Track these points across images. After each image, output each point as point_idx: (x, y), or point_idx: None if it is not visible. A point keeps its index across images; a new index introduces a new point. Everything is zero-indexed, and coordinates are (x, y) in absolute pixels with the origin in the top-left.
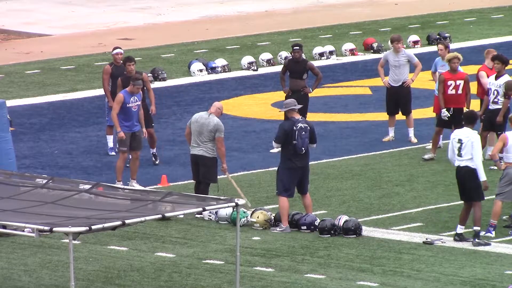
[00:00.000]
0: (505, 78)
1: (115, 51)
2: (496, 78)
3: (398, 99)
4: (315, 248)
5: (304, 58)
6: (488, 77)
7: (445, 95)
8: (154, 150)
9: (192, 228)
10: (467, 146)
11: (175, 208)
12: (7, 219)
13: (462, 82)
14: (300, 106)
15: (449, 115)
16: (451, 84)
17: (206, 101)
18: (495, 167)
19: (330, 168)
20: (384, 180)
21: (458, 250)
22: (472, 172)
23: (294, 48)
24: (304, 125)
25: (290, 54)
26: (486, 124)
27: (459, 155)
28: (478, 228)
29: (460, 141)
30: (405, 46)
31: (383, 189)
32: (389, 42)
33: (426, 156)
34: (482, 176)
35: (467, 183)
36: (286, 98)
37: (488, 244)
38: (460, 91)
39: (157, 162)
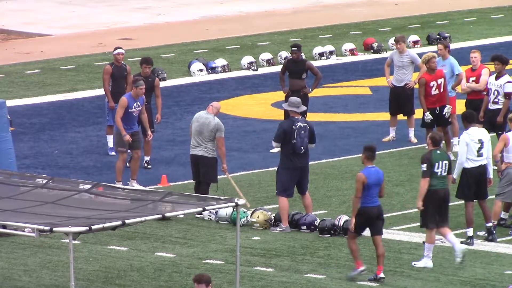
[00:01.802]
0: (505, 78)
1: (116, 51)
2: (496, 78)
3: (400, 99)
4: (315, 248)
5: (304, 58)
6: (468, 78)
7: (430, 96)
8: (148, 158)
9: (192, 228)
10: (487, 145)
11: (175, 208)
12: (7, 219)
13: (442, 80)
14: (304, 108)
15: (431, 118)
16: (433, 84)
17: (206, 101)
18: (495, 167)
19: (330, 168)
20: (384, 180)
21: None
22: (486, 170)
23: (292, 49)
24: (304, 125)
25: (289, 54)
26: (486, 124)
27: (479, 155)
28: (491, 224)
29: (480, 141)
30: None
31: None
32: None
33: None
34: (491, 173)
35: (483, 181)
36: (286, 98)
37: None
38: (442, 90)
39: (149, 167)
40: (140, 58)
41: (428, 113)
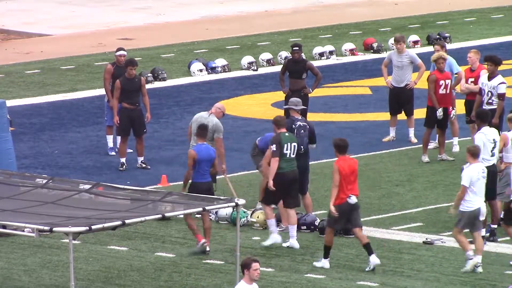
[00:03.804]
0: (499, 79)
1: (118, 53)
2: (489, 79)
3: (400, 100)
4: (315, 248)
5: (304, 58)
6: (466, 79)
7: (437, 94)
8: (142, 158)
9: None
10: (498, 145)
11: (175, 208)
12: (7, 219)
13: (449, 81)
14: (303, 107)
15: (442, 115)
16: (442, 83)
17: (206, 101)
18: None
19: (330, 168)
20: (384, 180)
21: (458, 250)
22: (496, 169)
23: (294, 48)
24: (303, 124)
25: (290, 54)
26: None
27: (492, 154)
28: (496, 226)
29: (494, 141)
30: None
31: (383, 189)
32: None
33: (425, 160)
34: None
35: (495, 181)
36: (286, 98)
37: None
38: (448, 91)
39: (149, 167)
40: (140, 58)
41: (440, 109)
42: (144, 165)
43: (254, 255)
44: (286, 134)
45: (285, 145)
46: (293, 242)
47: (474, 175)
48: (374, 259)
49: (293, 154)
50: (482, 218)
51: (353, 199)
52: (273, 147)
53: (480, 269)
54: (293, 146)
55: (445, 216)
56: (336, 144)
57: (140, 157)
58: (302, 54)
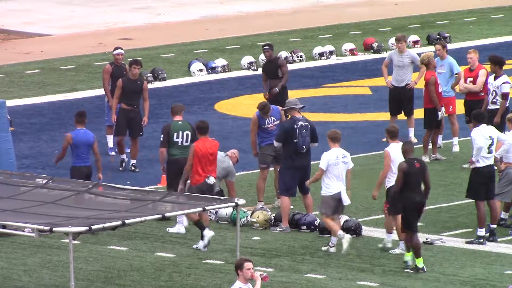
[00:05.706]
0: (503, 78)
1: (116, 51)
2: (495, 78)
3: (401, 100)
4: (315, 248)
5: (276, 56)
6: (465, 79)
7: (439, 95)
8: (134, 161)
9: (192, 228)
10: (494, 144)
11: (175, 208)
12: (7, 219)
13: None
14: (302, 106)
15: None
16: (438, 82)
17: (206, 101)
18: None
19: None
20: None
21: (458, 250)
22: (494, 169)
23: (264, 48)
24: (305, 124)
25: (289, 54)
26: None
27: (489, 151)
28: (495, 226)
29: (491, 138)
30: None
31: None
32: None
33: (425, 160)
34: None
35: (493, 181)
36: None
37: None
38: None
39: (137, 170)
40: (140, 58)
41: (442, 108)
42: (133, 168)
43: (254, 255)
44: (180, 122)
45: (175, 134)
46: (180, 228)
47: (331, 158)
48: (207, 233)
49: (186, 142)
50: (345, 203)
51: (211, 180)
52: (161, 137)
53: (333, 250)
54: (186, 135)
55: (445, 216)
56: (197, 126)
57: (132, 160)
58: (281, 54)
